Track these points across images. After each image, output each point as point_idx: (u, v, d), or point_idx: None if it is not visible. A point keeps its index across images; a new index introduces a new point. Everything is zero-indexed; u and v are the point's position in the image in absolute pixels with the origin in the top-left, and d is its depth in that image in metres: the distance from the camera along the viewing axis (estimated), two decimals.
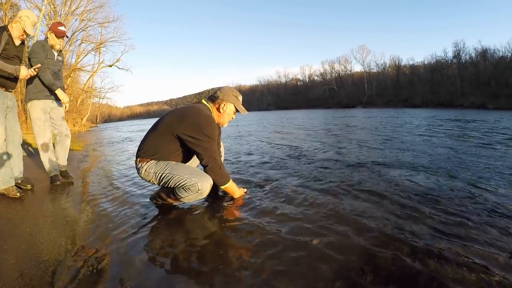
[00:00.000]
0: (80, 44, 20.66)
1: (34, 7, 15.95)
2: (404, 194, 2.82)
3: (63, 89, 3.95)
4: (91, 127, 31.32)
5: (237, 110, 2.73)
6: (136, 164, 2.64)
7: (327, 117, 21.45)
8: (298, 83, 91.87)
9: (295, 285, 1.47)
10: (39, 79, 3.50)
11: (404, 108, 44.38)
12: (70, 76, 20.86)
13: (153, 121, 2.69)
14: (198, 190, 2.40)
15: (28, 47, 3.66)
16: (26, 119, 15.47)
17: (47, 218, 2.58)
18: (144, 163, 2.55)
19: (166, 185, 2.51)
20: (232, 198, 2.75)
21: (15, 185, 3.44)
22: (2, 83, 3.27)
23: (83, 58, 22.93)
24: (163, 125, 2.57)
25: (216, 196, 2.90)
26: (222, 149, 3.13)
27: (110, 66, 29.19)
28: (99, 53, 25.07)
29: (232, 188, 2.65)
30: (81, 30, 20.13)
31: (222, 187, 2.60)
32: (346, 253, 1.76)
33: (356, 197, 2.78)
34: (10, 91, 3.42)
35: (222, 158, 3.09)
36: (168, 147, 2.52)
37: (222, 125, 2.76)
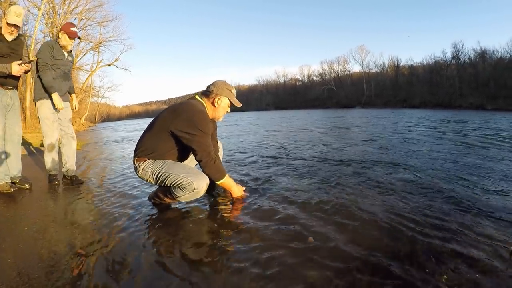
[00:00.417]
0: (79, 43, 20.56)
1: (33, 6, 15.93)
2: (402, 194, 2.83)
3: (73, 89, 3.97)
4: (89, 126, 31.24)
5: (231, 103, 2.73)
6: (134, 163, 2.64)
7: (324, 117, 21.43)
8: (297, 83, 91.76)
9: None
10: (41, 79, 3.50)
11: (402, 109, 44.41)
12: None
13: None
14: (194, 189, 2.39)
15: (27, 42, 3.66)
16: (25, 118, 15.45)
17: (45, 217, 2.58)
18: (142, 162, 2.55)
19: (163, 184, 2.51)
20: (232, 199, 2.74)
21: (12, 183, 3.46)
22: (1, 82, 3.27)
23: (82, 57, 22.91)
24: (158, 123, 2.57)
25: (216, 195, 2.91)
26: (221, 149, 3.13)
27: (109, 65, 29.18)
28: (98, 52, 25.07)
29: (229, 184, 2.61)
30: (80, 29, 20.03)
31: (218, 182, 2.54)
32: (344, 254, 1.76)
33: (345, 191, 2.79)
34: (10, 89, 3.42)
35: (221, 157, 3.08)
36: (164, 145, 2.53)
37: (217, 119, 2.78)
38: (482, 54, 49.42)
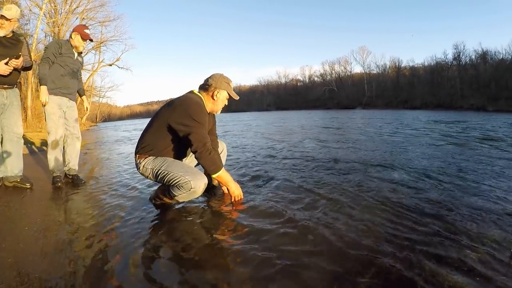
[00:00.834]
0: None
1: (35, 5, 15.95)
2: (397, 196, 2.83)
3: (83, 91, 3.97)
4: (90, 126, 31.22)
5: (230, 96, 2.73)
6: (135, 160, 2.65)
7: (324, 118, 21.40)
8: (298, 84, 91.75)
9: None
10: (41, 73, 3.47)
11: (403, 110, 44.41)
12: None
13: None
14: (191, 188, 2.37)
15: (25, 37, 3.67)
16: (26, 117, 15.45)
17: (46, 217, 2.58)
18: (143, 159, 2.56)
19: (162, 181, 2.51)
20: (230, 199, 2.74)
21: (14, 182, 3.49)
22: None
23: (83, 56, 22.94)
24: (157, 119, 2.59)
25: (215, 195, 2.91)
26: (224, 150, 3.12)
27: (110, 65, 29.22)
28: (99, 52, 25.08)
29: (226, 178, 2.55)
30: None
31: (214, 176, 2.49)
32: (343, 255, 1.76)
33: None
34: (6, 88, 3.42)
35: (224, 158, 3.07)
36: (163, 141, 2.53)
37: (216, 112, 2.78)
38: (484, 55, 49.36)
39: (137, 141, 2.69)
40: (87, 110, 4.00)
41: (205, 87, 2.65)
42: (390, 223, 2.19)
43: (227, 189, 2.67)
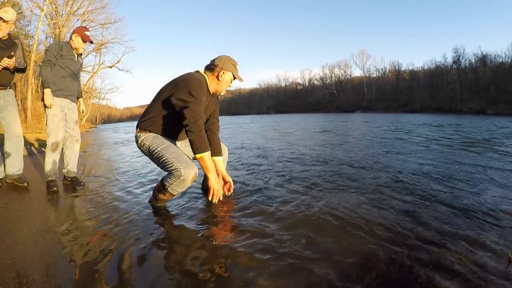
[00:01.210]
0: None
1: (36, 6, 15.95)
2: (396, 196, 2.81)
3: (80, 93, 3.95)
4: (90, 127, 31.26)
5: (234, 78, 2.69)
6: (135, 133, 2.65)
7: (324, 121, 21.43)
8: (298, 87, 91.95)
9: None
10: (41, 74, 3.47)
11: (403, 113, 44.45)
12: None
13: None
14: (180, 176, 2.35)
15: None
16: (26, 118, 15.43)
17: (44, 219, 2.57)
18: (142, 133, 2.57)
19: (155, 161, 2.53)
20: (227, 205, 2.73)
21: (12, 180, 3.49)
22: None
23: (83, 58, 22.96)
24: (160, 95, 2.58)
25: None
26: (226, 153, 3.07)
27: (111, 67, 29.23)
28: (100, 54, 25.12)
29: (207, 163, 2.40)
30: None
31: (197, 156, 2.38)
32: (341, 254, 1.75)
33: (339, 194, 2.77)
34: (2, 88, 3.43)
35: (225, 164, 3.02)
36: (164, 118, 2.53)
37: (219, 93, 2.74)
38: (483, 59, 49.54)
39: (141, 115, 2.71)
40: (83, 112, 3.97)
41: (211, 67, 2.62)
42: (382, 227, 2.19)
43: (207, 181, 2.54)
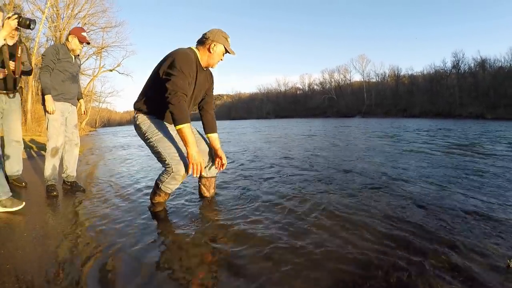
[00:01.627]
0: (82, 47, 20.76)
1: (37, 9, 16.03)
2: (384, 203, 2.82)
3: (81, 94, 3.95)
4: (90, 131, 31.19)
5: (226, 51, 2.65)
6: (134, 113, 2.67)
7: (324, 127, 21.46)
8: (298, 92, 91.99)
9: None
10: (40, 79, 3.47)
11: (402, 118, 44.48)
12: None
13: None
14: (171, 172, 2.41)
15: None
16: (26, 121, 15.44)
17: (44, 224, 2.56)
18: (139, 115, 2.59)
19: (149, 148, 2.55)
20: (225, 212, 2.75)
21: (12, 180, 3.53)
22: None
23: (84, 61, 22.95)
24: (152, 73, 2.58)
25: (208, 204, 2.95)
26: (224, 157, 2.94)
27: (111, 70, 29.26)
28: (100, 57, 25.16)
29: (186, 136, 2.29)
30: None
31: (176, 127, 2.30)
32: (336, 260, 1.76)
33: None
34: (6, 93, 3.43)
35: (216, 172, 2.98)
36: (156, 95, 2.48)
37: (211, 66, 2.68)
38: (482, 63, 49.66)
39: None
40: (85, 114, 3.99)
41: (202, 40, 2.59)
42: (386, 231, 2.19)
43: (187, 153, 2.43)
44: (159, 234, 2.25)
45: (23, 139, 3.71)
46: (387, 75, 70.42)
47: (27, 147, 8.01)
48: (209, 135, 2.86)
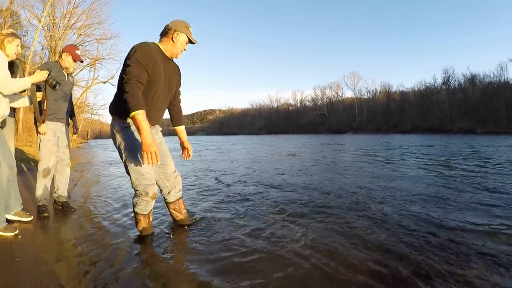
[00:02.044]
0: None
1: (34, 17, 15.94)
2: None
3: (73, 112, 3.82)
4: (81, 143, 30.74)
5: (190, 41, 2.63)
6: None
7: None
8: (290, 108, 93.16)
9: None
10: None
11: (393, 134, 45.03)
12: None
13: None
14: (140, 194, 2.46)
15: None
16: (17, 130, 15.17)
17: (36, 246, 2.48)
18: (115, 122, 2.49)
19: (120, 158, 2.51)
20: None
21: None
22: None
23: (78, 73, 22.79)
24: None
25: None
26: (190, 148, 2.96)
27: (104, 82, 29.00)
28: (94, 69, 25.06)
29: (140, 123, 2.16)
30: (78, 45, 20.15)
31: (130, 114, 2.18)
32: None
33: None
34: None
35: (177, 189, 2.87)
36: (119, 97, 2.37)
37: (176, 56, 2.64)
38: (472, 79, 51.06)
39: None
40: (76, 131, 3.86)
41: (165, 31, 2.57)
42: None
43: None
44: (142, 262, 2.17)
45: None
46: (378, 92, 71.94)
47: (18, 160, 7.72)
48: (176, 127, 2.93)
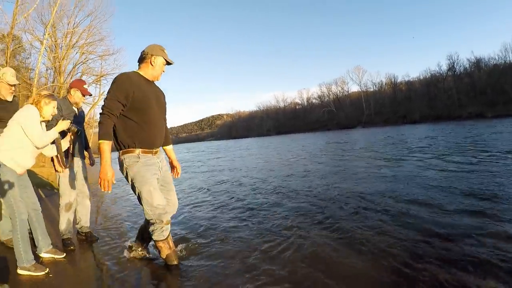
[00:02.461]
0: (81, 76, 21.00)
1: (36, 39, 16.35)
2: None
3: (87, 144, 3.91)
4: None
5: (167, 63, 2.77)
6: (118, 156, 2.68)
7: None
8: (297, 107, 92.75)
9: None
10: None
11: (402, 125, 44.45)
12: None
13: None
14: (155, 222, 2.59)
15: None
16: None
17: (70, 286, 2.58)
18: (123, 157, 2.61)
19: (133, 191, 2.64)
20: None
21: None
22: None
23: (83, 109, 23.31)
24: None
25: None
26: (178, 166, 3.10)
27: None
28: (100, 85, 25.53)
29: (103, 152, 2.43)
30: (81, 63, 20.54)
31: (99, 141, 2.44)
32: None
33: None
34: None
35: (169, 214, 2.82)
36: (121, 126, 2.57)
37: (157, 79, 2.79)
38: (477, 63, 50.20)
39: None
40: (92, 164, 4.00)
41: (142, 57, 2.71)
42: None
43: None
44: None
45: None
46: (384, 84, 71.17)
47: (32, 184, 7.34)
48: (165, 148, 3.00)
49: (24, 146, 2.70)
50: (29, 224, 2.89)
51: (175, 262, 2.68)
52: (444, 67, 55.85)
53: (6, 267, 2.79)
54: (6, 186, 2.68)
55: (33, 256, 2.76)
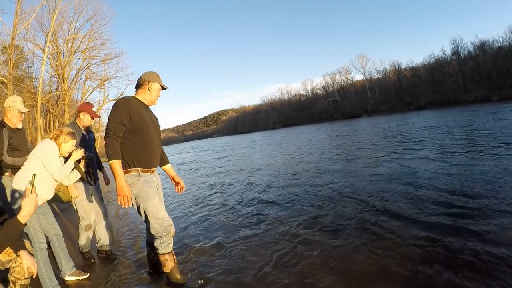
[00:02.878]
0: (85, 81, 21.20)
1: (38, 48, 16.50)
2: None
3: (100, 164, 4.06)
4: (102, 162, 31.34)
5: (162, 88, 2.98)
6: None
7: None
8: (302, 98, 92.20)
9: None
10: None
11: (408, 112, 44.04)
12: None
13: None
14: (162, 235, 2.72)
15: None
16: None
17: None
18: (129, 177, 2.72)
19: (138, 210, 2.78)
20: None
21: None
22: None
23: (88, 95, 23.48)
24: None
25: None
26: (181, 181, 3.20)
27: (115, 100, 29.72)
28: (104, 89, 25.74)
29: (115, 171, 2.56)
30: (84, 69, 20.72)
31: (109, 162, 2.59)
32: None
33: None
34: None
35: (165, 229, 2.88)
36: (126, 147, 2.73)
37: (154, 103, 2.99)
38: (482, 46, 49.40)
39: None
40: (107, 183, 4.12)
41: (139, 83, 2.90)
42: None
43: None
44: None
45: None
46: (388, 71, 70.33)
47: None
48: (163, 167, 3.19)
49: (45, 179, 2.81)
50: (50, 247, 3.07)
51: (179, 277, 2.84)
52: (448, 52, 55.06)
53: None
54: None
55: (57, 282, 2.89)
